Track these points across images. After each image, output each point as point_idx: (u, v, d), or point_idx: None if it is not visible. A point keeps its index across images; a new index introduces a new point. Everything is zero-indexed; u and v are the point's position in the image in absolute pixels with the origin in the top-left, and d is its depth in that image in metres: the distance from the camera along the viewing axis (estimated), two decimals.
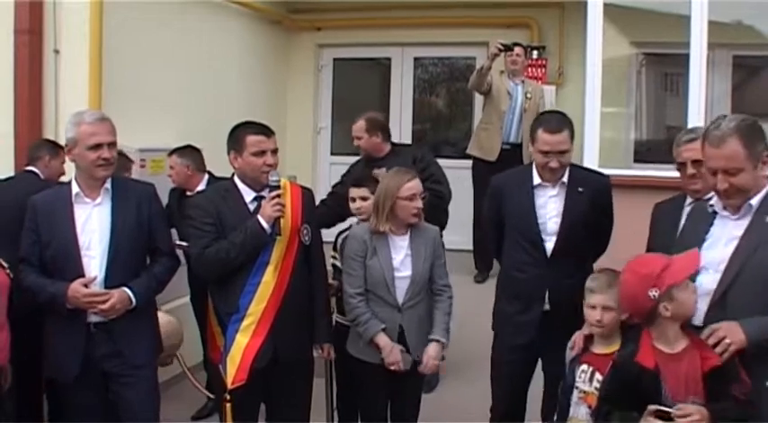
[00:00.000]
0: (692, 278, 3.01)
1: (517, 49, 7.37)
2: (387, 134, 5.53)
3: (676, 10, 6.64)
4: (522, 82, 7.44)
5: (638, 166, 7.27)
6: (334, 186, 5.75)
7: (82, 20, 5.57)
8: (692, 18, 5.93)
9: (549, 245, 4.02)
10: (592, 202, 4.04)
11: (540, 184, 4.07)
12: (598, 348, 3.36)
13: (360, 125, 5.46)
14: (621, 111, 8.30)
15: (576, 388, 3.36)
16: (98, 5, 5.57)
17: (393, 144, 5.61)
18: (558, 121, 4.01)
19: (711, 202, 3.19)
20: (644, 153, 8.07)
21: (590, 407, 3.23)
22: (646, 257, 3.18)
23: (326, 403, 4.79)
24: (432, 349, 4.02)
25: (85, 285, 3.56)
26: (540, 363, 4.27)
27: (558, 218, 4.01)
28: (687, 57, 6.00)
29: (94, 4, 5.56)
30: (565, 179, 4.04)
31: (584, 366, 3.34)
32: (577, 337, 3.54)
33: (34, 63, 5.63)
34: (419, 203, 3.99)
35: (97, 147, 3.62)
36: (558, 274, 4.01)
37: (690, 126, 5.32)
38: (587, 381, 3.30)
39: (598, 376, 3.23)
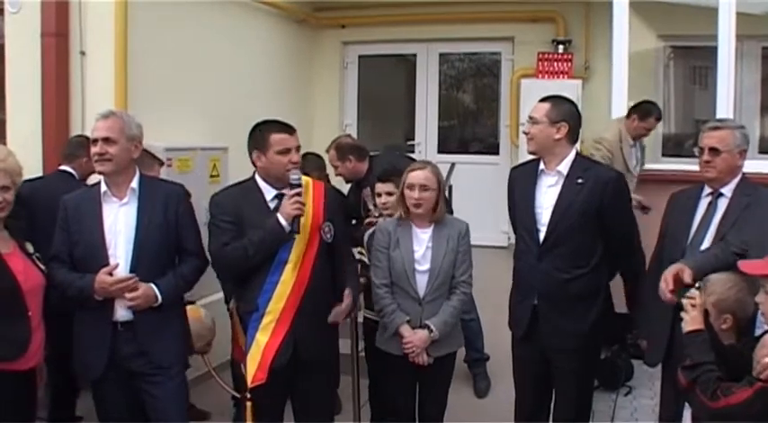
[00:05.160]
0: None
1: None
2: (359, 153, 5.46)
3: (704, 2, 6.57)
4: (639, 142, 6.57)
5: (666, 160, 7.21)
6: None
7: (107, 21, 5.62)
8: (719, 10, 5.88)
9: (542, 235, 3.96)
10: (592, 195, 3.93)
11: (542, 172, 4.03)
12: None
13: (332, 155, 5.44)
14: None
15: None
16: (123, 7, 5.61)
17: (371, 157, 5.57)
18: (551, 97, 4.06)
19: None
20: (672, 147, 8.00)
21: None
22: None
23: (353, 400, 4.81)
24: (417, 334, 3.99)
25: (110, 274, 3.58)
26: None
27: (552, 208, 3.96)
28: (715, 49, 5.94)
29: (119, 6, 5.60)
30: (564, 170, 3.97)
31: None
32: None
33: (61, 65, 5.69)
34: (416, 194, 3.99)
35: (93, 142, 3.66)
36: (548, 267, 3.96)
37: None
38: None
39: None
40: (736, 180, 3.74)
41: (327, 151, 5.54)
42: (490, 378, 5.78)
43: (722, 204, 3.73)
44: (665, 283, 3.44)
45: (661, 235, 4.03)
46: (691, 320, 2.97)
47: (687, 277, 3.23)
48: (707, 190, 3.81)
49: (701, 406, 2.80)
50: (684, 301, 3.03)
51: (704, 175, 3.78)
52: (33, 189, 4.40)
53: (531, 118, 4.00)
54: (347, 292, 3.99)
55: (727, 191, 3.74)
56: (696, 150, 3.82)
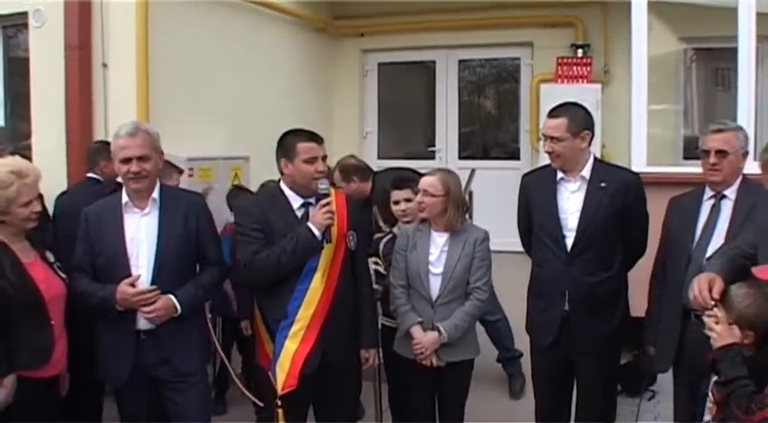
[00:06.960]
0: None
1: None
2: (362, 173, 5.50)
3: (724, 3, 6.52)
4: None
5: (687, 163, 7.14)
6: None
7: (128, 34, 5.71)
8: (739, 10, 5.83)
9: (570, 241, 3.95)
10: (616, 198, 3.93)
11: (562, 179, 4.02)
12: None
13: (336, 176, 5.47)
14: (670, 108, 8.18)
15: (708, 396, 3.23)
16: (144, 20, 5.70)
17: (374, 174, 5.62)
18: (561, 108, 4.01)
19: None
20: (693, 150, 7.93)
21: (712, 418, 3.11)
22: None
23: (375, 406, 4.83)
24: (427, 335, 3.99)
25: (132, 285, 3.61)
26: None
27: (578, 213, 3.94)
28: (737, 50, 5.89)
29: (140, 19, 5.69)
30: (586, 175, 3.97)
31: (716, 376, 3.22)
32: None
33: (83, 77, 5.80)
34: (418, 197, 4.10)
35: (126, 161, 3.66)
36: (578, 272, 3.94)
37: (740, 121, 5.26)
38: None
39: None
40: (737, 181, 3.72)
41: (332, 172, 5.59)
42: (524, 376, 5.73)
43: (726, 206, 3.72)
44: (703, 294, 3.02)
45: (663, 241, 4.01)
46: (719, 337, 2.94)
47: (716, 293, 2.99)
48: (708, 193, 3.79)
49: (736, 420, 2.78)
50: (706, 319, 3.00)
51: (709, 179, 3.75)
52: (73, 200, 4.47)
53: (550, 138, 3.95)
54: (371, 352, 4.03)
55: (730, 193, 3.72)
56: (700, 153, 3.80)
